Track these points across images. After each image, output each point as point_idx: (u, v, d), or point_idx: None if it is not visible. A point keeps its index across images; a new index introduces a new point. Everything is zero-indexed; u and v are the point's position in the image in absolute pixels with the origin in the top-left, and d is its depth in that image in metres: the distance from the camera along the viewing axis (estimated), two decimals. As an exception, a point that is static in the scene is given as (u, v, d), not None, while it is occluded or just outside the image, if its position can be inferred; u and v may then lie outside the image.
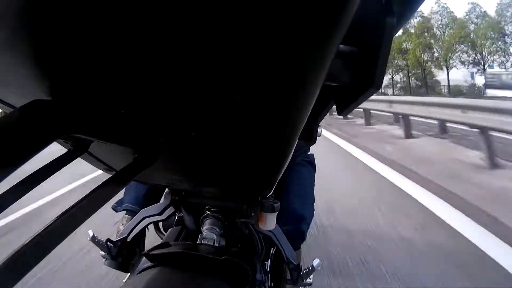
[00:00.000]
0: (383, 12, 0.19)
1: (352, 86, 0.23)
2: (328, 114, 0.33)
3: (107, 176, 0.26)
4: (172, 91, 0.22)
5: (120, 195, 0.99)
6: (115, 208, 0.98)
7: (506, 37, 23.79)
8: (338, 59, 0.21)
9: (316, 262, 0.67)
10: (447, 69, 25.42)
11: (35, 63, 0.21)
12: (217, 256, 0.53)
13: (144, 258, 0.54)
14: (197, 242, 0.62)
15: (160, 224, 0.81)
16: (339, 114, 0.27)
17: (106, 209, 0.39)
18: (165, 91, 0.22)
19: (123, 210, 0.95)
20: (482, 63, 24.69)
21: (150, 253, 0.54)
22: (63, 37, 0.17)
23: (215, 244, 0.61)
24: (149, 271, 0.50)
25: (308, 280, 0.67)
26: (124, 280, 0.67)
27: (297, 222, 0.88)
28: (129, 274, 0.69)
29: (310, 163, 1.04)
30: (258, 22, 0.14)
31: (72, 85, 0.23)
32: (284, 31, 0.14)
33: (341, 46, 0.21)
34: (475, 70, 25.20)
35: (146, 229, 0.73)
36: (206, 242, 0.61)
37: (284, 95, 0.20)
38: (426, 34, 25.84)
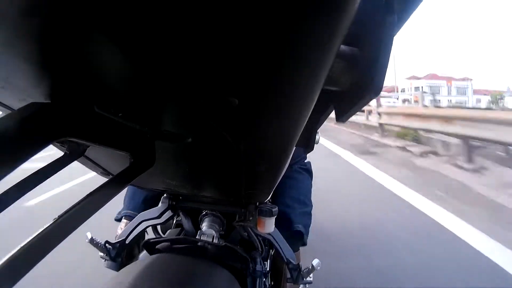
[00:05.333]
0: (384, 11, 0.19)
1: (352, 91, 0.22)
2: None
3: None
4: (169, 95, 0.22)
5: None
6: (117, 219, 0.98)
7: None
8: (339, 60, 0.21)
9: (315, 261, 0.67)
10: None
11: (34, 65, 0.21)
12: (217, 243, 0.52)
13: (144, 252, 0.54)
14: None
15: (159, 227, 0.80)
16: (337, 120, 0.26)
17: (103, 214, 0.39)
18: (163, 96, 0.22)
19: (122, 216, 0.95)
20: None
21: (151, 241, 0.54)
22: (62, 41, 0.17)
23: (214, 241, 0.61)
24: (149, 258, 0.49)
25: (308, 278, 0.67)
26: None
27: (295, 228, 0.88)
28: None
29: (307, 170, 1.05)
30: (256, 24, 0.13)
31: (71, 89, 0.23)
32: (284, 32, 0.14)
33: (342, 46, 0.21)
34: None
35: (145, 232, 0.73)
36: (206, 238, 0.61)
37: (283, 99, 0.20)
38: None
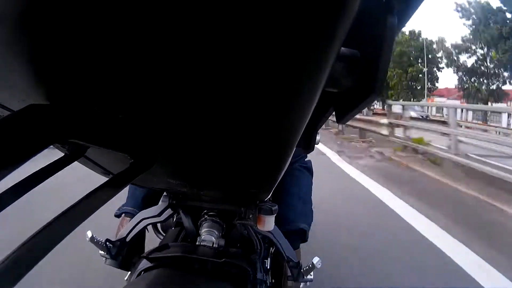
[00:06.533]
0: (384, 12, 0.19)
1: (352, 92, 0.22)
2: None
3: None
4: (170, 96, 0.22)
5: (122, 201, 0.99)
6: (117, 214, 0.98)
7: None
8: (339, 63, 0.21)
9: (316, 259, 0.67)
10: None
11: (33, 67, 0.20)
12: (216, 259, 0.53)
13: (144, 259, 0.54)
14: (196, 244, 0.62)
15: (159, 225, 0.81)
16: (338, 122, 0.26)
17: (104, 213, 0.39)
18: (163, 96, 0.22)
19: (123, 213, 0.95)
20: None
21: (150, 256, 0.54)
22: (61, 41, 0.17)
23: (214, 246, 0.62)
24: (148, 273, 0.49)
25: (308, 276, 0.68)
26: (126, 279, 0.68)
27: (295, 225, 0.88)
28: (129, 272, 0.70)
29: (308, 169, 1.05)
30: (256, 26, 0.13)
31: (70, 90, 0.23)
32: (284, 33, 0.14)
33: (342, 48, 0.21)
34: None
35: (146, 230, 0.74)
36: (205, 244, 0.61)
37: (284, 100, 0.20)
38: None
